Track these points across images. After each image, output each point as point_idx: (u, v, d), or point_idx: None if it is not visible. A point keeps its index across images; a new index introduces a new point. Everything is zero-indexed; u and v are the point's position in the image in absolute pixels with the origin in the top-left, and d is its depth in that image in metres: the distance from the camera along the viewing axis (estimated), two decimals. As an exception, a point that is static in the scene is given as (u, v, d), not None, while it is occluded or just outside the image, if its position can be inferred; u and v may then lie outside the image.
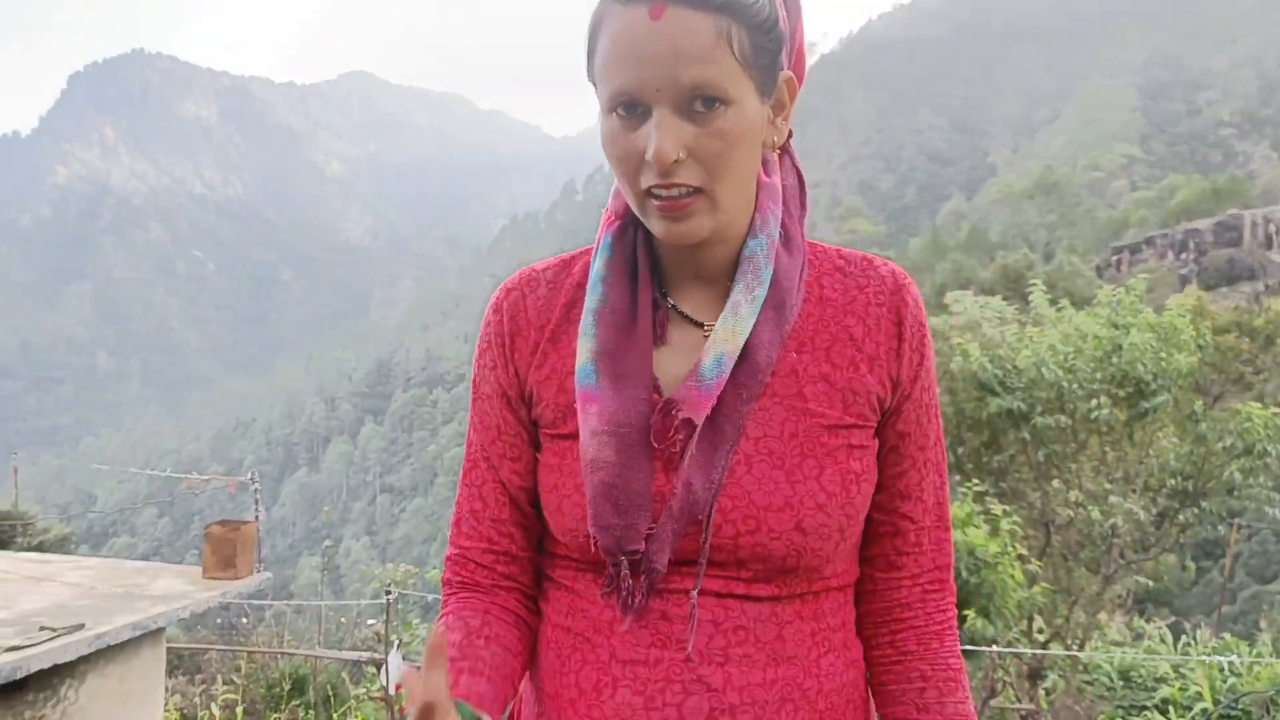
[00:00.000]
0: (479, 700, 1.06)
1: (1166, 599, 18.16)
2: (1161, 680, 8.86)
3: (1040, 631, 9.56)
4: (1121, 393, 9.50)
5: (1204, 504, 10.58)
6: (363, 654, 9.12)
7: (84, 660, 4.69)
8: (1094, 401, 9.40)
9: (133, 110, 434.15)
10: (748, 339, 1.09)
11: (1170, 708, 8.13)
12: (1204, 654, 9.54)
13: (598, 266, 1.17)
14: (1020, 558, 8.77)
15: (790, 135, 1.21)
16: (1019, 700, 8.80)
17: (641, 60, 1.00)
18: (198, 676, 10.60)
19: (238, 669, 10.11)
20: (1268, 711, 7.57)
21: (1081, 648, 9.61)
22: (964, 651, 7.42)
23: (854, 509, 1.10)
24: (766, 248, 1.13)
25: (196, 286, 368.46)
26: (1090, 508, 9.71)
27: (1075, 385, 9.52)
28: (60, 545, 16.39)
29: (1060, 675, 9.52)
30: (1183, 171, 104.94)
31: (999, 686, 8.08)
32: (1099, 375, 9.55)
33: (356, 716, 9.13)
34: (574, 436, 1.13)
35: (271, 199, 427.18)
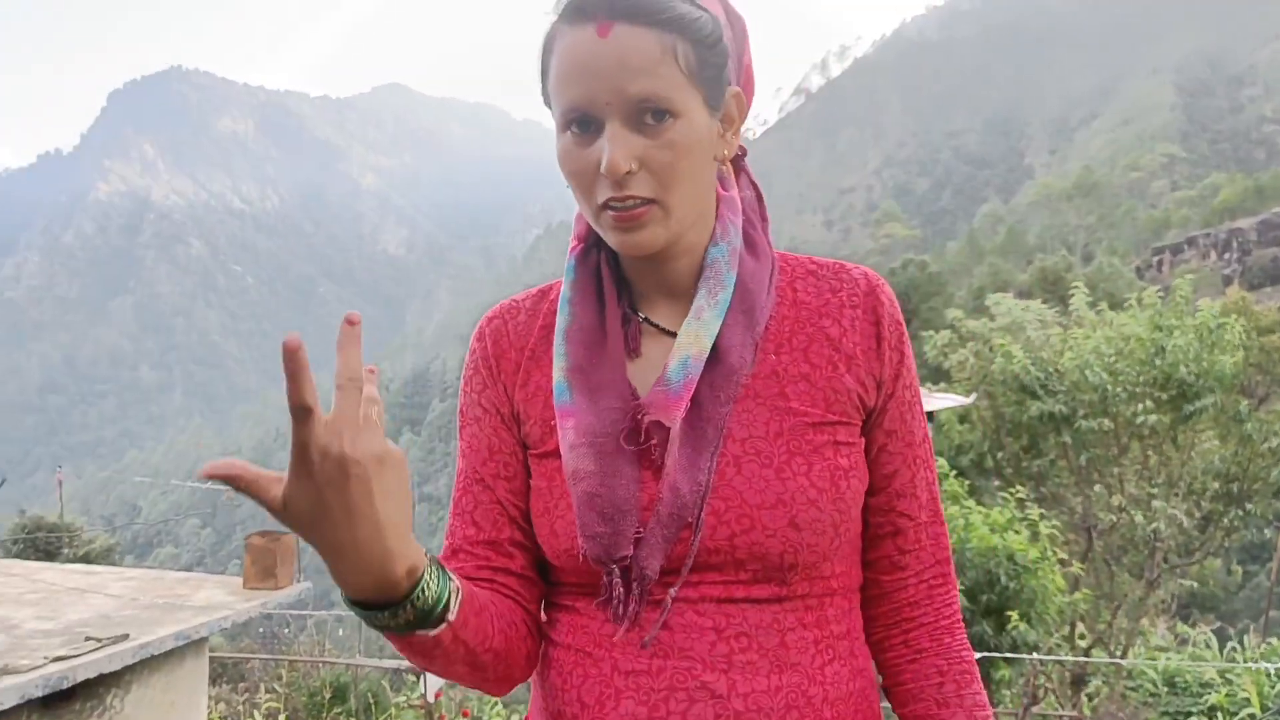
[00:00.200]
0: (469, 598, 1.07)
1: (1212, 604, 17.89)
2: (1208, 686, 8.73)
3: (1082, 637, 9.45)
4: (1165, 395, 9.39)
5: (1249, 506, 10.44)
6: (403, 662, 9.16)
7: (129, 670, 4.76)
8: (1139, 405, 9.29)
9: (171, 126, 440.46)
10: (717, 341, 1.12)
11: (1218, 714, 8.01)
12: (1251, 659, 9.39)
13: (564, 289, 1.20)
14: (1061, 562, 8.69)
15: (745, 153, 1.26)
16: (1061, 707, 8.71)
17: (591, 75, 1.04)
18: (241, 685, 10.70)
19: (279, 677, 10.20)
20: (1318, 717, 7.45)
21: (1125, 653, 9.50)
22: (1005, 659, 7.38)
23: (845, 504, 1.11)
24: (728, 254, 1.16)
25: (236, 300, 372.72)
26: (1133, 512, 9.60)
27: (1119, 389, 9.42)
28: (106, 556, 16.60)
29: (1104, 681, 9.41)
30: (1225, 170, 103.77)
31: (1041, 693, 7.99)
32: (1143, 378, 9.45)
33: (397, 724, 9.19)
34: (558, 454, 1.16)
35: (308, 212, 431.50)
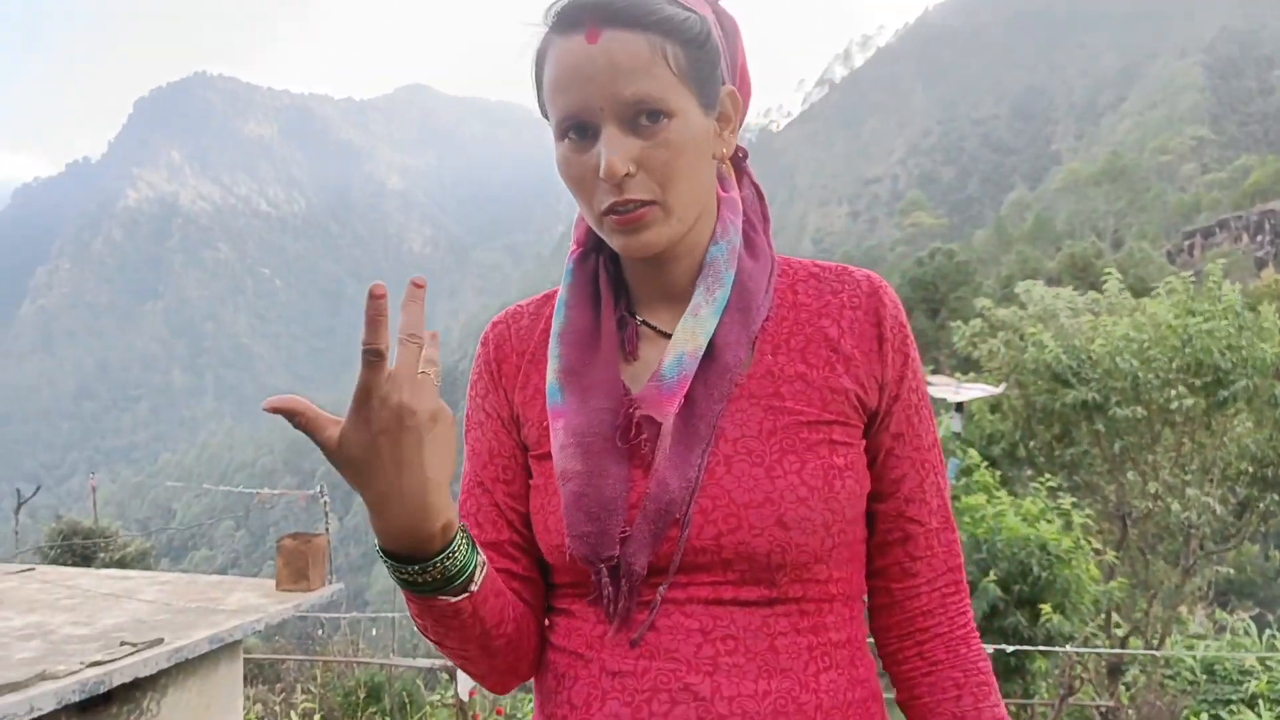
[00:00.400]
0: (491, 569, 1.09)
1: (1250, 590, 17.67)
2: (1248, 674, 8.64)
3: (1119, 626, 9.37)
4: (1198, 381, 9.28)
5: (1286, 491, 10.30)
6: (436, 661, 9.19)
7: (164, 673, 4.80)
8: (1172, 391, 9.19)
9: (197, 132, 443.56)
10: (713, 339, 1.12)
11: (1259, 702, 7.92)
12: (1292, 646, 9.28)
13: (561, 293, 1.22)
14: (1096, 551, 8.61)
15: (746, 155, 1.27)
16: (1098, 697, 8.63)
17: (583, 81, 1.05)
18: (277, 685, 10.77)
19: (315, 678, 10.26)
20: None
21: (1161, 642, 9.41)
22: (1041, 651, 7.31)
23: (838, 503, 1.10)
24: (727, 253, 1.16)
25: (265, 302, 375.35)
26: (1168, 499, 9.50)
27: (1151, 375, 9.32)
28: (141, 560, 16.76)
29: (1141, 670, 9.33)
30: (1256, 152, 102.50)
31: (1077, 684, 7.93)
32: (1175, 364, 9.35)
33: (431, 723, 9.22)
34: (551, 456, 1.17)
35: (334, 214, 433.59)
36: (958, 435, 10.65)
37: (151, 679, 4.71)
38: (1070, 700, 7.63)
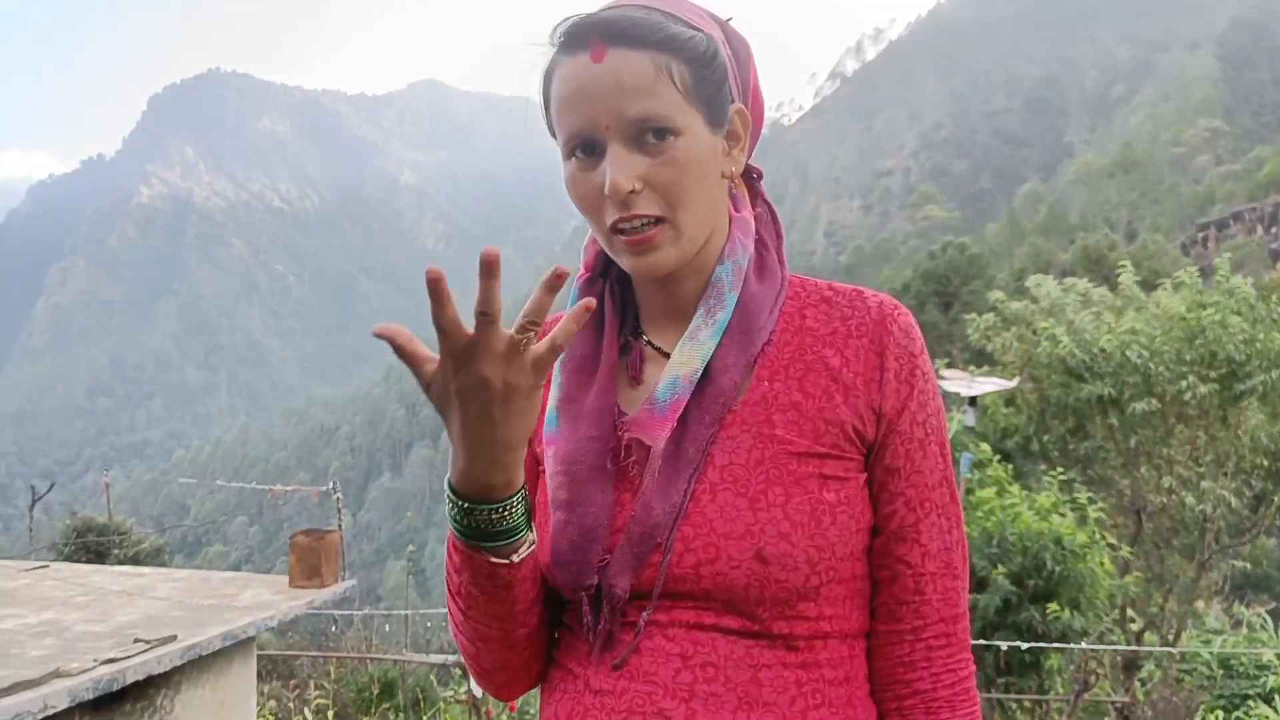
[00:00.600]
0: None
1: (1266, 584, 17.58)
2: (1265, 668, 8.58)
3: (1133, 621, 9.32)
4: (1213, 374, 9.23)
5: (1303, 484, 10.23)
6: (450, 656, 9.19)
7: (178, 670, 4.81)
8: (1183, 383, 9.14)
9: (210, 128, 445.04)
10: (710, 362, 1.11)
11: (1276, 697, 7.86)
12: (1309, 641, 9.23)
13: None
14: (1110, 546, 8.56)
15: (761, 176, 1.25)
16: (1114, 692, 8.59)
17: (589, 99, 1.06)
18: (291, 681, 10.80)
19: (328, 674, 10.28)
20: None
21: (1177, 637, 9.36)
22: (1056, 648, 7.28)
23: (825, 540, 1.06)
24: (732, 274, 1.15)
25: (279, 299, 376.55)
26: (1183, 493, 9.45)
27: (1161, 367, 9.28)
28: (155, 556, 16.81)
29: (1157, 665, 9.28)
30: (1270, 143, 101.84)
31: (1093, 679, 7.89)
32: (1188, 356, 9.30)
33: (445, 718, 9.23)
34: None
35: (347, 210, 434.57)
36: (971, 429, 10.61)
37: (165, 676, 4.72)
38: (1085, 696, 7.59)
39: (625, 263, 1.12)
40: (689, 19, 1.10)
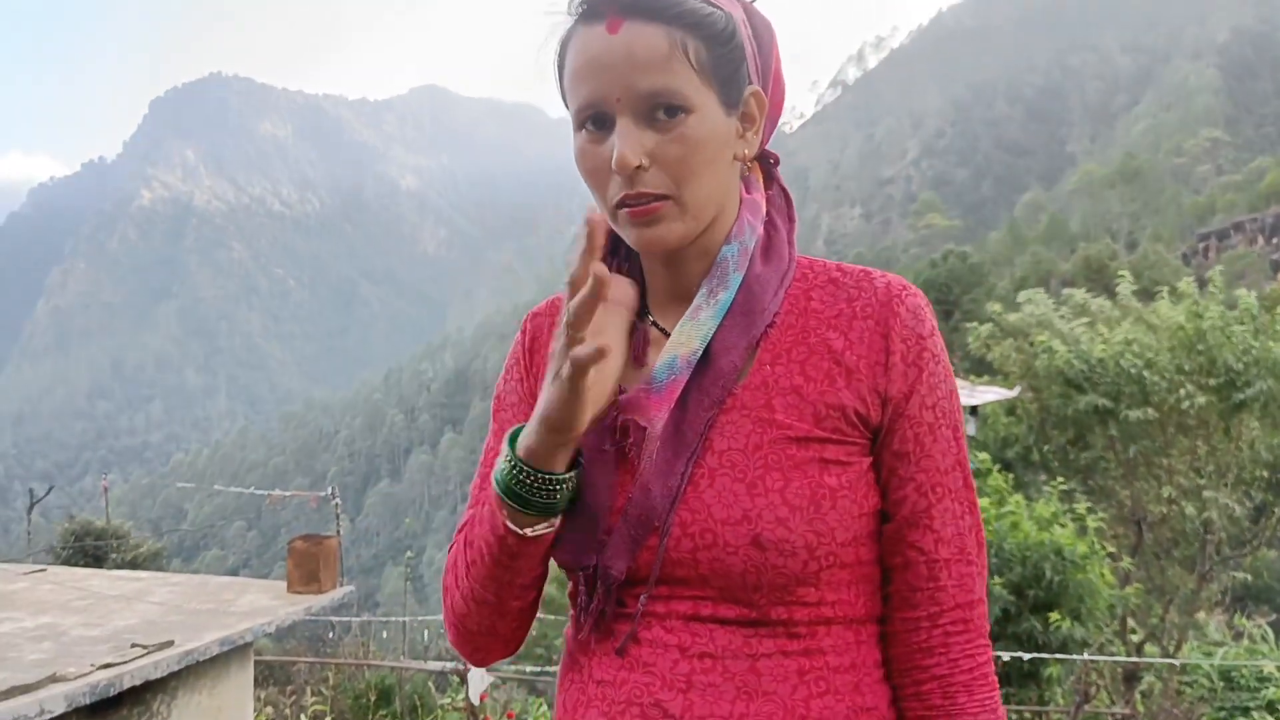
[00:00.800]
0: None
1: (1267, 596, 17.54)
2: (1266, 680, 8.56)
3: (1134, 632, 9.30)
4: (1212, 383, 9.22)
5: (1304, 496, 10.22)
6: (447, 664, 9.17)
7: (174, 676, 4.77)
8: (1181, 391, 9.14)
9: (211, 132, 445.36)
10: (711, 343, 1.10)
11: (1278, 709, 7.85)
12: (1310, 653, 9.20)
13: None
14: (1111, 556, 8.54)
15: (778, 162, 1.24)
16: (1114, 704, 8.57)
17: (601, 71, 1.05)
18: (288, 687, 10.76)
19: (325, 680, 10.24)
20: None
21: (1178, 648, 9.33)
22: (1057, 658, 7.25)
23: (825, 525, 1.05)
24: (738, 254, 1.13)
25: (278, 302, 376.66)
26: (1183, 504, 9.44)
27: (1157, 377, 9.28)
28: (153, 560, 16.80)
29: (1157, 677, 9.25)
30: (1271, 153, 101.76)
31: (1093, 691, 7.86)
32: (1186, 366, 9.29)
33: (442, 726, 9.19)
34: None
35: (348, 214, 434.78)
36: (971, 438, 10.60)
37: (162, 681, 4.69)
38: (1086, 707, 7.57)
39: (629, 236, 1.10)
40: None
